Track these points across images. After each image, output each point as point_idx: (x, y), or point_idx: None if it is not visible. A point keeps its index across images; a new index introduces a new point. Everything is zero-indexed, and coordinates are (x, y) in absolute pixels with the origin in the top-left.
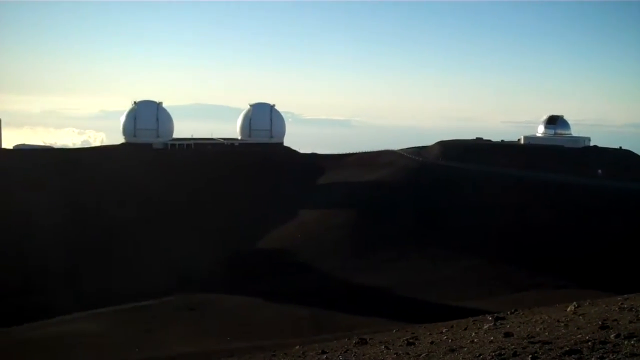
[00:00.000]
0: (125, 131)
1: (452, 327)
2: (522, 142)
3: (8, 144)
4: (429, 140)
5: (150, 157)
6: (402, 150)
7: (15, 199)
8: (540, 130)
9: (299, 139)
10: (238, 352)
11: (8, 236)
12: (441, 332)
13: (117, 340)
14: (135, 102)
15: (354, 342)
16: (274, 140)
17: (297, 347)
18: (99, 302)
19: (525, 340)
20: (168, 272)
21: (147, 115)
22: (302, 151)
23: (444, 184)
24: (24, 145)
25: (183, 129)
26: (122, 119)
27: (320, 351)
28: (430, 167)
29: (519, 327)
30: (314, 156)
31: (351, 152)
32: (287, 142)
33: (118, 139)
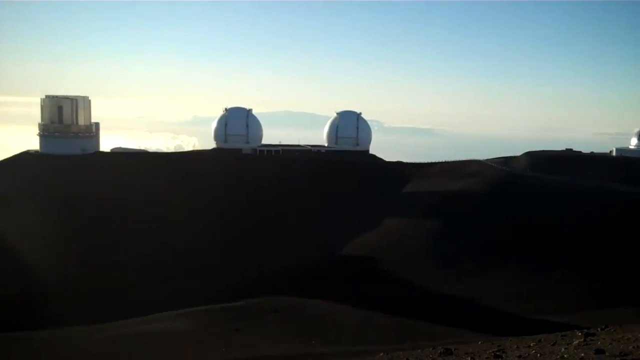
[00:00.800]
0: (217, 136)
1: (539, 341)
2: (613, 154)
3: (106, 147)
4: (516, 151)
5: (240, 162)
6: (488, 160)
7: (114, 198)
8: (633, 143)
9: (384, 146)
10: (322, 357)
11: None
12: (529, 346)
13: (205, 340)
14: (226, 109)
15: (439, 352)
16: (359, 148)
17: (382, 354)
18: (191, 302)
19: (617, 358)
20: (254, 274)
21: (237, 121)
22: (387, 159)
23: (532, 195)
24: (120, 148)
25: (272, 135)
26: (214, 124)
27: (405, 359)
28: (517, 178)
29: (610, 344)
30: (399, 164)
31: (436, 161)
32: (372, 150)
33: (209, 144)
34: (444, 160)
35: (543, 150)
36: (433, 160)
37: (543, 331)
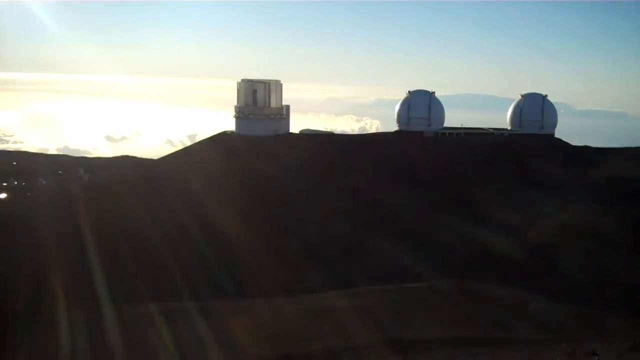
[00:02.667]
0: (399, 119)
1: None
2: None
3: (295, 129)
4: None
5: (422, 144)
6: None
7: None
8: None
9: (571, 130)
10: (500, 342)
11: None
12: None
13: (383, 318)
14: (409, 92)
15: (628, 346)
16: (544, 132)
17: (564, 344)
18: (374, 281)
19: None
20: (438, 257)
21: (420, 104)
22: (574, 143)
23: None
24: (308, 130)
25: (453, 118)
26: (397, 107)
27: (590, 352)
28: None
29: None
30: (586, 149)
31: (629, 146)
32: (558, 134)
33: (392, 126)
34: (637, 146)
35: None
36: (625, 145)
37: None
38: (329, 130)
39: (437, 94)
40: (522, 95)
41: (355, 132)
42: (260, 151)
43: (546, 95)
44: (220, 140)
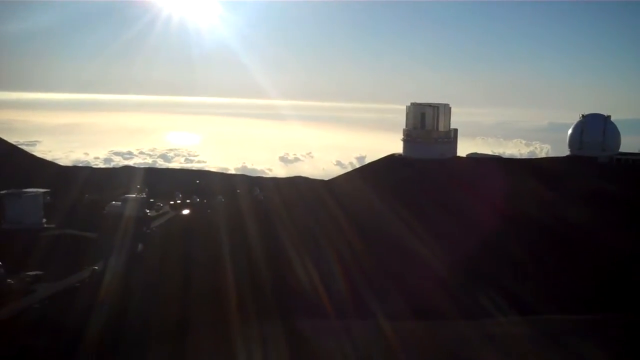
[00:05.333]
0: (572, 143)
1: None
2: None
3: (462, 152)
4: None
5: (595, 170)
6: None
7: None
8: None
9: None
10: None
11: None
12: None
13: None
14: (583, 115)
15: None
16: None
17: None
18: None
19: None
20: (605, 288)
21: (594, 128)
22: None
23: None
24: (475, 153)
25: (630, 143)
26: (569, 131)
27: None
28: None
29: None
30: None
31: None
32: None
33: (563, 150)
34: None
35: None
36: None
37: None
38: (496, 154)
39: (612, 118)
40: None
41: (524, 157)
42: (424, 173)
43: None
44: (387, 162)
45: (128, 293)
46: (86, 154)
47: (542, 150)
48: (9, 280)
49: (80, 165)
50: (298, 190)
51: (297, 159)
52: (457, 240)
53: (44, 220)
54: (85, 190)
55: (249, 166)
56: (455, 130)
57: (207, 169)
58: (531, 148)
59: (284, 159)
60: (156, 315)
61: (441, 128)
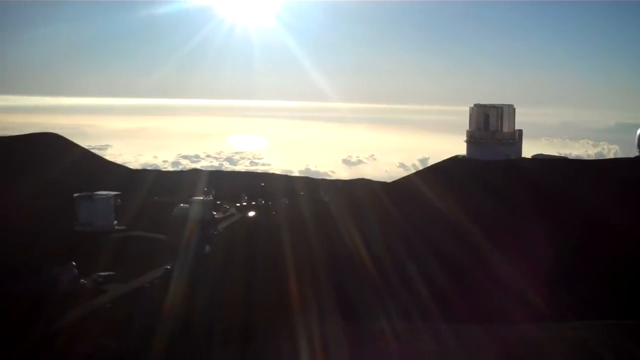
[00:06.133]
0: None
1: None
2: None
3: (527, 154)
4: None
5: None
6: None
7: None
8: None
9: None
10: None
11: None
12: None
13: None
14: None
15: None
16: None
17: None
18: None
19: None
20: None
21: None
22: None
23: None
24: (540, 154)
25: None
26: (638, 131)
27: None
28: None
29: None
30: None
31: None
32: None
33: (632, 151)
34: None
35: None
36: None
37: None
38: (562, 155)
39: None
40: None
41: (592, 157)
42: (488, 175)
43: None
44: (451, 164)
45: (194, 295)
46: (155, 157)
47: (609, 151)
48: (82, 280)
49: (149, 168)
50: (370, 191)
51: (359, 161)
52: (539, 244)
53: (115, 222)
54: (154, 192)
55: (312, 169)
56: (520, 131)
57: (271, 171)
58: (598, 149)
59: (346, 162)
60: (221, 319)
61: (505, 129)
